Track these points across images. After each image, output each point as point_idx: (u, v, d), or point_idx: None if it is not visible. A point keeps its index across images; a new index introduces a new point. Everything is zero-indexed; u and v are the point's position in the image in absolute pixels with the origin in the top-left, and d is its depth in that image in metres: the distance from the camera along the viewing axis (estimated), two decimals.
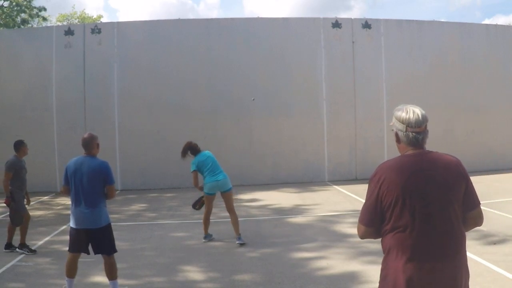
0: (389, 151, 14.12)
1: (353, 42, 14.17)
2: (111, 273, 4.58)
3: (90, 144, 4.58)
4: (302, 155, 13.90)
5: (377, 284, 4.95)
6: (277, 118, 13.74)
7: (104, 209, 4.59)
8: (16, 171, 6.55)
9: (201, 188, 7.02)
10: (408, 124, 2.34)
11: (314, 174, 13.90)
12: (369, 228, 2.35)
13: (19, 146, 6.73)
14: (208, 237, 7.06)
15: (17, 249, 6.52)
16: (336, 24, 14.17)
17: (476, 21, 63.10)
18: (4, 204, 6.62)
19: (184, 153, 7.10)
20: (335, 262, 5.72)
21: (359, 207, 9.02)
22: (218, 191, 6.92)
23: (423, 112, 2.39)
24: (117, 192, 12.99)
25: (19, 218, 6.56)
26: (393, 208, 2.23)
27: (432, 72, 14.41)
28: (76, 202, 4.51)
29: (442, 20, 16.77)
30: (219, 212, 9.69)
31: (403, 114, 2.37)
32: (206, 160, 6.93)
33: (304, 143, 13.93)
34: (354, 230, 7.40)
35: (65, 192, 4.66)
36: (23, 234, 6.58)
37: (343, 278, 5.16)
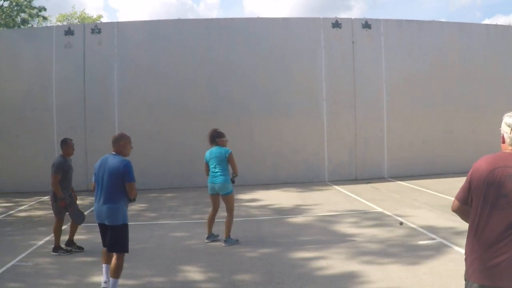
0: (389, 151, 14.13)
1: (353, 42, 14.16)
2: (116, 272, 4.62)
3: (115, 143, 4.82)
4: (302, 155, 13.90)
5: (377, 284, 5.02)
6: (277, 118, 13.73)
7: (123, 208, 4.67)
8: (64, 171, 6.37)
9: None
10: None
11: (314, 174, 13.90)
12: (461, 205, 2.73)
13: (62, 145, 6.55)
14: (211, 237, 6.96)
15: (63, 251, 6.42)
16: (336, 24, 14.16)
17: (476, 21, 63.13)
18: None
19: (211, 141, 6.80)
20: (335, 262, 5.72)
21: (359, 207, 9.02)
22: (217, 193, 6.79)
23: None
24: None
25: (80, 215, 6.53)
26: (476, 192, 2.60)
27: (432, 72, 14.40)
28: (96, 197, 4.76)
29: (442, 20, 16.78)
30: (219, 212, 9.69)
31: (510, 120, 2.76)
32: (212, 160, 6.72)
33: (304, 143, 13.92)
34: (354, 230, 7.43)
35: (93, 188, 4.86)
36: (58, 237, 6.48)
37: (343, 278, 5.17)
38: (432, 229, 7.22)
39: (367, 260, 5.75)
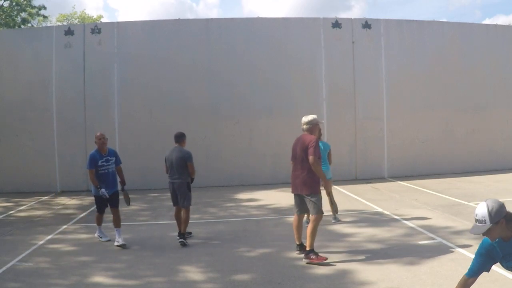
0: (389, 151, 14.13)
1: (353, 42, 14.15)
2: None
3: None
4: None
5: (377, 284, 5.03)
6: (277, 118, 13.72)
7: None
8: None
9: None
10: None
11: None
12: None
13: (183, 138, 7.43)
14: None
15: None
16: (336, 24, 14.16)
17: (476, 20, 63.25)
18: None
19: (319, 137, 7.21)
20: (335, 262, 5.72)
21: (359, 207, 9.05)
22: None
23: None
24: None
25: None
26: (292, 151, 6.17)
27: (432, 72, 14.39)
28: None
29: (442, 20, 16.77)
30: (218, 212, 9.72)
31: (304, 119, 6.20)
32: (323, 151, 7.36)
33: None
34: (354, 230, 7.44)
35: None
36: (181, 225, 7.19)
37: (342, 277, 5.17)
38: (432, 229, 7.22)
39: (367, 260, 5.75)
